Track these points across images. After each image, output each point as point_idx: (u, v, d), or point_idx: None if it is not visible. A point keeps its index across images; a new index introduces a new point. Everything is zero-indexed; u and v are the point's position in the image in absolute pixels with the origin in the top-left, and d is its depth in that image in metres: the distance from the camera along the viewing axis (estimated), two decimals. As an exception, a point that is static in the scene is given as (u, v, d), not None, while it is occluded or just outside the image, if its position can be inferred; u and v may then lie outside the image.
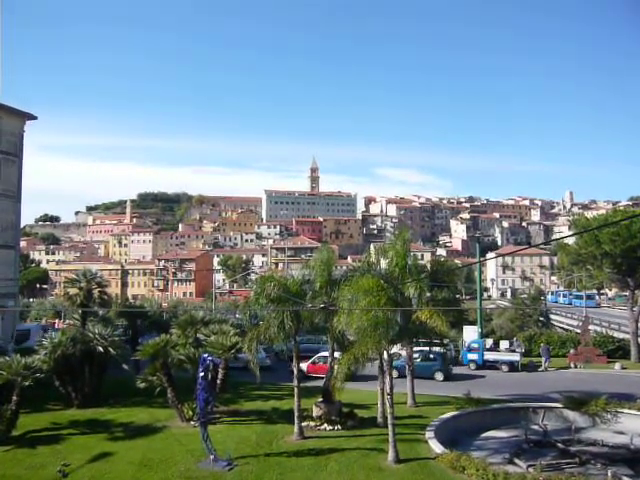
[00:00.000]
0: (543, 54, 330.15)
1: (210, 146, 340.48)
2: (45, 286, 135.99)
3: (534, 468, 15.46)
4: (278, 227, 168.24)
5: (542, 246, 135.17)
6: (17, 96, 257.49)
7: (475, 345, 36.33)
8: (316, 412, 20.58)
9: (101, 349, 23.62)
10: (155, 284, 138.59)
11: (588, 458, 16.79)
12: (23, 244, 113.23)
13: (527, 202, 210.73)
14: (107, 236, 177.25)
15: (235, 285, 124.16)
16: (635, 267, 37.19)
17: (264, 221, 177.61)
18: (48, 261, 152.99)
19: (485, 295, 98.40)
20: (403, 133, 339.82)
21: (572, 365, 35.83)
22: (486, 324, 48.31)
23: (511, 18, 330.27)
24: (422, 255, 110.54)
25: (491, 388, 27.34)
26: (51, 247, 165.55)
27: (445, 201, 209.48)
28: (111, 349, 23.77)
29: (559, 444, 18.39)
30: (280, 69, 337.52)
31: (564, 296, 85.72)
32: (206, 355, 17.48)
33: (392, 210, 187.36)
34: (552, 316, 61.32)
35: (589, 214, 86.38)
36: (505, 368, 34.59)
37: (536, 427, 20.26)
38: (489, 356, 35.63)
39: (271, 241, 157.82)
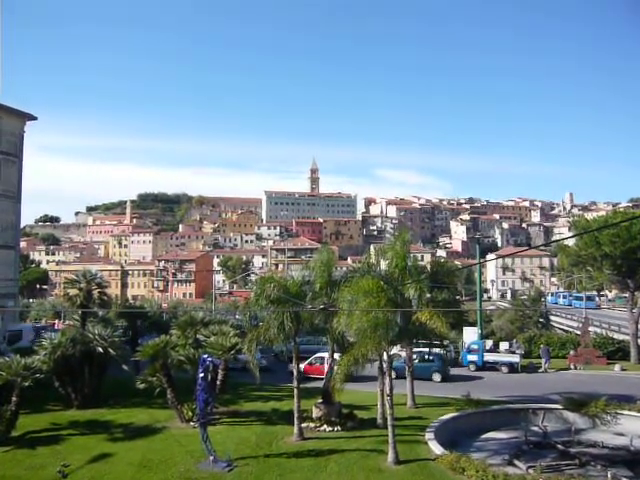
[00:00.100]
0: (543, 55, 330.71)
1: (210, 147, 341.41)
2: (45, 287, 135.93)
3: (534, 469, 15.46)
4: (278, 228, 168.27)
5: (542, 247, 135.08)
6: (17, 96, 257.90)
7: (475, 346, 36.31)
8: (316, 413, 20.58)
9: (101, 350, 23.63)
10: (155, 285, 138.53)
11: (588, 459, 16.78)
12: (23, 244, 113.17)
13: (527, 203, 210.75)
14: (107, 237, 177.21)
15: (235, 286, 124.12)
16: (635, 268, 37.20)
17: (264, 222, 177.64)
18: (48, 261, 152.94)
19: (485, 296, 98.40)
20: (403, 134, 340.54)
21: (572, 366, 35.82)
22: (486, 325, 48.28)
23: (511, 19, 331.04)
24: (422, 256, 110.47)
25: (491, 389, 27.33)
26: (51, 247, 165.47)
27: (445, 202, 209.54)
28: (111, 350, 23.78)
29: (559, 445, 18.38)
30: (280, 70, 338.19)
31: (564, 297, 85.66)
32: (206, 356, 17.49)
33: (392, 211, 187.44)
34: (552, 317, 61.29)
35: (589, 215, 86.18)
36: (505, 369, 34.58)
37: (536, 428, 20.24)
38: (489, 357, 35.62)
39: (271, 242, 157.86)
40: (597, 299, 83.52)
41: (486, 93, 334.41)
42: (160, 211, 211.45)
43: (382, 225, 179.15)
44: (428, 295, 22.36)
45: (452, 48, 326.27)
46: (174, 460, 16.35)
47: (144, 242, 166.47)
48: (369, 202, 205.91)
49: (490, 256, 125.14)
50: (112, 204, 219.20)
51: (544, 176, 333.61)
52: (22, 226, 68.92)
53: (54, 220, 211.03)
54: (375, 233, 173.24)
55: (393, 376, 17.69)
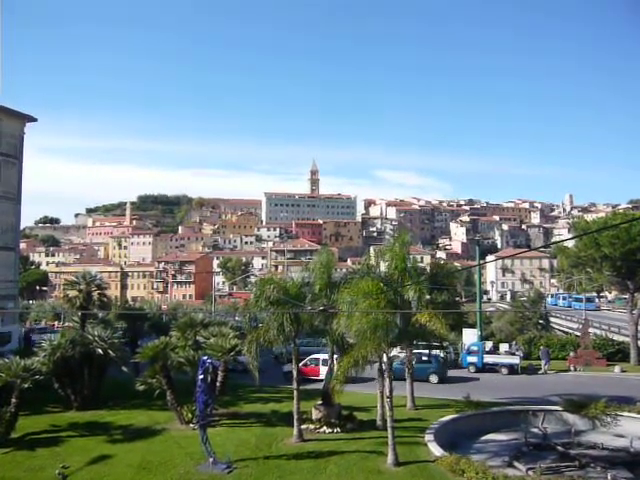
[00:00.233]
0: (543, 55, 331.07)
1: (210, 148, 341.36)
2: (45, 288, 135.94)
3: (534, 471, 15.45)
4: (278, 229, 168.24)
5: (542, 249, 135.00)
6: (17, 97, 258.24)
7: (475, 348, 36.29)
8: (315, 415, 20.57)
9: (100, 351, 23.65)
10: (155, 286, 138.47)
11: (588, 461, 16.76)
12: (23, 246, 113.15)
13: (527, 205, 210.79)
14: (107, 238, 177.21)
15: (235, 287, 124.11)
16: (635, 270, 37.19)
17: (264, 223, 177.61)
18: (48, 263, 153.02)
19: (485, 298, 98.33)
20: (403, 135, 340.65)
21: (572, 368, 35.80)
22: (486, 327, 48.24)
23: (511, 19, 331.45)
24: (422, 258, 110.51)
25: (490, 391, 27.31)
26: (51, 249, 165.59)
27: (445, 204, 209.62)
28: (110, 351, 23.80)
29: (559, 447, 18.35)
30: (280, 71, 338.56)
31: (564, 299, 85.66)
32: (205, 358, 17.50)
33: (392, 213, 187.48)
34: (552, 319, 61.24)
35: (589, 217, 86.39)
36: (505, 371, 34.56)
37: (536, 430, 20.23)
38: (489, 359, 35.59)
39: (271, 243, 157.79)
40: (597, 300, 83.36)
41: (486, 94, 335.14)
42: (160, 213, 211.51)
43: (382, 226, 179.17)
44: (428, 297, 22.35)
45: (452, 48, 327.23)
46: (174, 462, 16.35)
47: (144, 244, 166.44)
48: (369, 203, 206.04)
49: (490, 257, 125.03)
50: (112, 205, 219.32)
51: (544, 177, 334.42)
52: (22, 228, 68.98)
53: (54, 222, 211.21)
54: (375, 234, 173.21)
55: (391, 378, 17.66)
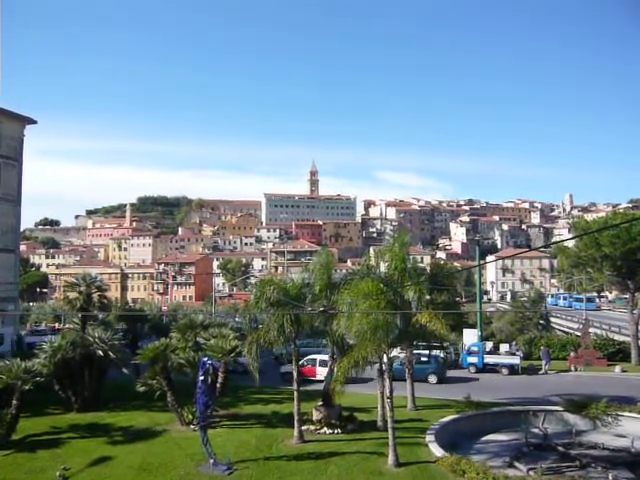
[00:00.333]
0: (543, 56, 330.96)
1: (210, 150, 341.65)
2: (45, 290, 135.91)
3: (535, 471, 15.44)
4: (278, 231, 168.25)
5: (542, 249, 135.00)
6: (16, 99, 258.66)
7: (475, 348, 36.29)
8: (316, 416, 20.56)
9: (101, 353, 23.66)
10: (155, 288, 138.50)
11: (589, 461, 16.75)
12: (23, 248, 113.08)
13: (527, 205, 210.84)
14: (107, 240, 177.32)
15: (235, 289, 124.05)
16: (635, 270, 37.17)
17: (264, 225, 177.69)
18: (48, 265, 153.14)
19: (485, 298, 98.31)
20: (403, 136, 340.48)
21: (572, 368, 35.79)
22: (486, 327, 48.23)
23: (510, 21, 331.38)
24: (422, 258, 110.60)
25: (489, 391, 27.30)
26: (51, 251, 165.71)
27: (445, 204, 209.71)
28: (111, 353, 23.81)
29: (559, 447, 18.34)
30: (280, 72, 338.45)
31: (564, 299, 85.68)
32: (206, 359, 17.51)
33: (392, 213, 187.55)
34: (552, 319, 61.23)
35: (589, 217, 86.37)
36: (505, 371, 34.56)
37: (536, 430, 20.22)
38: (489, 359, 35.59)
39: (271, 244, 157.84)
40: (597, 300, 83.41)
41: (486, 95, 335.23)
42: (160, 214, 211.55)
43: (382, 227, 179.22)
44: (428, 297, 22.38)
45: (452, 50, 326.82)
46: (174, 463, 16.36)
47: (144, 245, 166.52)
48: (368, 204, 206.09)
49: (490, 258, 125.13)
50: (112, 207, 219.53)
51: (544, 178, 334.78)
52: (22, 229, 68.93)
53: (54, 223, 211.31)
54: (375, 235, 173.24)
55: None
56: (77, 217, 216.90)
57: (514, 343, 40.04)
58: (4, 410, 18.84)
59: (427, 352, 28.90)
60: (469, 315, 47.19)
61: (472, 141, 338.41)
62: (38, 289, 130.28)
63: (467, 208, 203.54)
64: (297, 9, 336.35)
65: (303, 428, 19.07)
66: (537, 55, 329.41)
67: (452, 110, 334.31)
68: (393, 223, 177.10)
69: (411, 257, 21.27)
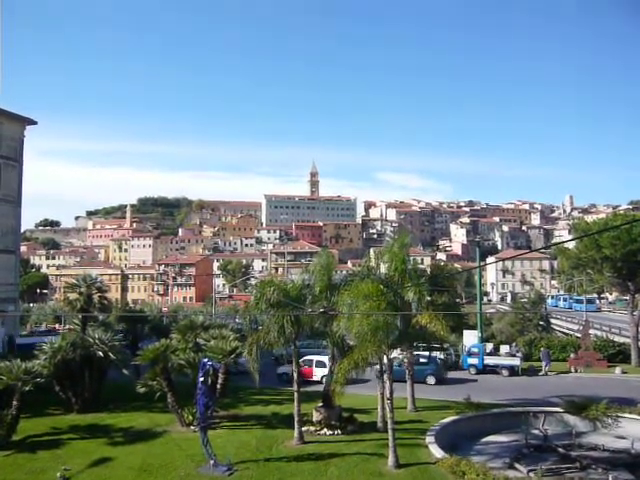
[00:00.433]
0: (543, 57, 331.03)
1: (210, 151, 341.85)
2: (45, 291, 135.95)
3: (535, 473, 15.46)
4: (278, 232, 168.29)
5: (542, 250, 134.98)
6: (17, 100, 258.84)
7: (475, 349, 36.28)
8: (316, 417, 20.57)
9: (101, 354, 23.66)
10: (155, 289, 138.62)
11: (589, 463, 16.75)
12: (23, 249, 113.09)
13: (527, 206, 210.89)
14: (107, 241, 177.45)
15: (235, 290, 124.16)
16: (635, 271, 37.16)
17: (264, 226, 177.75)
18: (48, 266, 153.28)
19: (485, 299, 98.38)
20: (403, 137, 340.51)
21: (572, 369, 35.78)
22: (486, 328, 48.26)
23: (510, 21, 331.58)
24: (422, 259, 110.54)
25: (491, 392, 27.29)
26: (51, 252, 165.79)
27: (445, 205, 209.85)
28: (111, 354, 23.80)
29: (560, 449, 18.34)
30: (280, 73, 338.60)
31: (564, 300, 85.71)
32: (206, 360, 17.52)
33: (392, 214, 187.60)
34: (552, 320, 61.26)
35: (589, 218, 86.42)
36: (505, 372, 34.53)
37: (537, 432, 20.23)
38: (489, 360, 35.57)
39: (271, 246, 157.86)
40: (597, 302, 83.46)
41: (486, 95, 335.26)
42: (160, 215, 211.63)
43: (382, 228, 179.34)
44: (428, 298, 22.32)
45: (452, 50, 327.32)
46: (174, 464, 16.36)
47: (144, 246, 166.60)
48: (369, 205, 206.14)
49: (490, 259, 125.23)
50: (112, 208, 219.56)
51: (544, 179, 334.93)
52: (22, 230, 68.98)
53: (54, 224, 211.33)
54: (375, 236, 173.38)
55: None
56: (77, 218, 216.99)
57: (514, 344, 40.03)
58: (4, 411, 18.84)
59: (425, 353, 28.93)
60: (469, 316, 47.15)
61: (472, 142, 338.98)
62: (38, 290, 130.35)
63: (467, 209, 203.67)
64: (297, 9, 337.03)
65: (303, 429, 19.07)
66: (537, 55, 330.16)
67: (452, 110, 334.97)
68: (393, 224, 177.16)
69: (411, 258, 21.26)
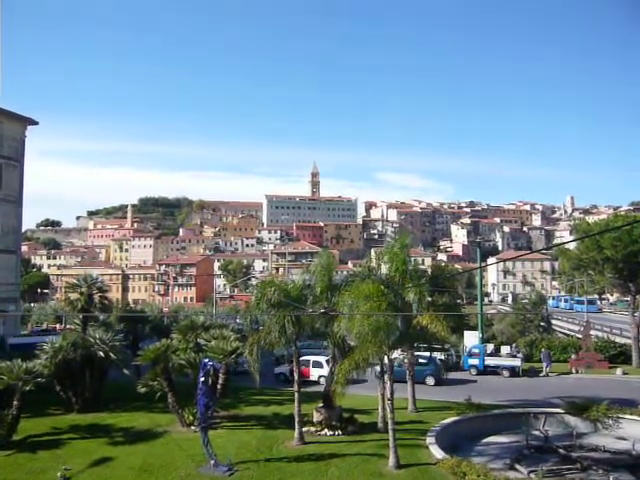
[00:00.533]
0: (543, 58, 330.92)
1: (211, 151, 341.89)
2: (46, 291, 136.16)
3: (535, 474, 15.45)
4: (279, 232, 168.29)
5: (543, 251, 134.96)
6: (17, 100, 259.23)
7: (476, 350, 36.26)
8: (317, 417, 20.56)
9: (102, 354, 23.67)
10: (156, 289, 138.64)
11: (590, 464, 16.74)
12: (24, 249, 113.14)
13: (528, 207, 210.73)
14: (108, 241, 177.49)
15: (236, 290, 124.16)
16: (636, 272, 37.13)
17: (265, 226, 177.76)
18: (49, 266, 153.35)
19: (486, 300, 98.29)
20: (404, 137, 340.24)
21: (573, 370, 35.76)
22: (487, 329, 48.22)
23: (510, 22, 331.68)
24: (423, 260, 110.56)
25: (492, 393, 27.27)
26: (52, 252, 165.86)
27: (446, 206, 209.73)
28: (112, 354, 23.81)
29: (560, 450, 18.33)
30: (280, 73, 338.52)
31: (565, 301, 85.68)
32: (207, 360, 17.52)
33: (393, 215, 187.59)
34: (553, 321, 61.19)
35: (590, 219, 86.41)
36: (506, 373, 34.51)
37: (537, 433, 20.22)
38: (490, 361, 35.55)
39: (272, 246, 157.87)
40: (598, 303, 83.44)
41: (486, 96, 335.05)
42: (161, 215, 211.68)
43: (383, 229, 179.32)
44: (429, 299, 22.33)
45: (453, 51, 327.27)
46: (175, 464, 16.36)
47: (145, 246, 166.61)
48: (370, 206, 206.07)
49: (491, 260, 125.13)
50: (113, 208, 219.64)
51: (545, 179, 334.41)
52: (23, 230, 69.07)
53: (55, 224, 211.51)
54: (376, 237, 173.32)
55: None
56: (78, 218, 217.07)
57: (515, 345, 40.02)
58: (5, 411, 18.86)
59: (425, 354, 28.91)
60: (470, 317, 47.15)
61: (473, 142, 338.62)
62: (39, 290, 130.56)
63: (468, 210, 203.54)
64: (297, 9, 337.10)
65: (304, 429, 19.07)
66: (537, 56, 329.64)
67: (452, 111, 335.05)
68: (394, 225, 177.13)
69: (412, 259, 21.26)
